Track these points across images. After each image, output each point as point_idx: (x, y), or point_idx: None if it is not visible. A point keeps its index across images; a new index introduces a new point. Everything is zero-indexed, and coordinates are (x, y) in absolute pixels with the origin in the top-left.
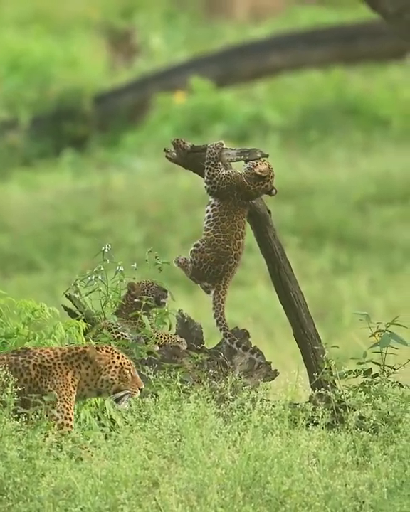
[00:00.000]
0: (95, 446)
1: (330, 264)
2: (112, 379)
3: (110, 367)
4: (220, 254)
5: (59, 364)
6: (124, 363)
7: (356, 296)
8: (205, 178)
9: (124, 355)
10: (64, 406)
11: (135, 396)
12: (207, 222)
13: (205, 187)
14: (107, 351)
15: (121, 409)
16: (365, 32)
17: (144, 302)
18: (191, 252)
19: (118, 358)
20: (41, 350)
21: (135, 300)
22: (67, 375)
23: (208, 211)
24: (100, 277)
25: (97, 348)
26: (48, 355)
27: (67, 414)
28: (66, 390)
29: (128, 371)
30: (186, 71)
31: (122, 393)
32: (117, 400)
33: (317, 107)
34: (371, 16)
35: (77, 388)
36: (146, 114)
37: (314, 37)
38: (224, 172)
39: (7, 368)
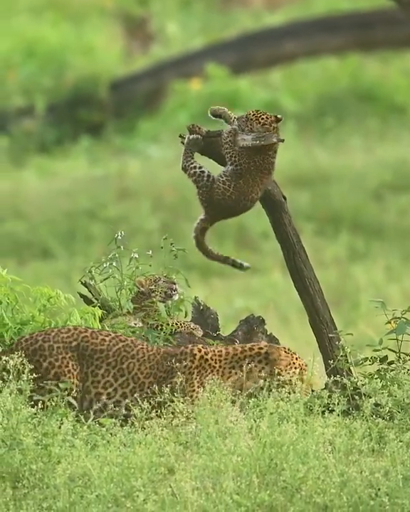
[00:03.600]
0: (111, 434)
1: (346, 251)
2: (290, 380)
3: (291, 368)
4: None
5: (225, 366)
6: (302, 365)
7: (372, 283)
8: (229, 162)
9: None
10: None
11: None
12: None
13: (234, 170)
14: (285, 352)
15: None
16: (381, 18)
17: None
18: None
19: (297, 358)
20: (216, 348)
21: (145, 296)
22: (231, 375)
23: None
24: (114, 264)
25: (276, 349)
26: (220, 354)
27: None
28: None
29: (304, 372)
30: (201, 58)
31: None
32: None
33: (333, 93)
34: (387, 3)
35: (244, 389)
36: (162, 100)
37: (330, 24)
38: (238, 146)
39: (176, 359)
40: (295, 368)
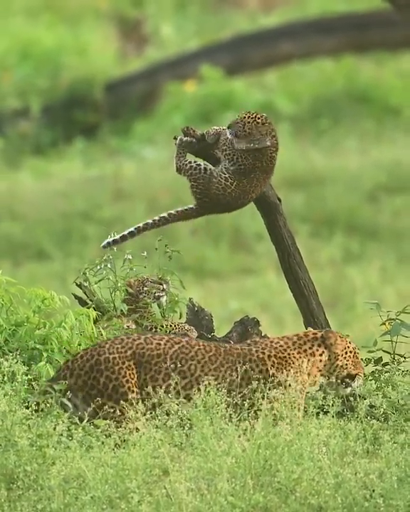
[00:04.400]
0: (106, 435)
1: (341, 253)
2: (346, 364)
3: (346, 352)
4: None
5: (293, 353)
6: (355, 348)
7: (367, 285)
8: (229, 164)
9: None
10: (299, 396)
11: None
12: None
13: (236, 170)
14: (340, 337)
15: (356, 390)
16: (376, 20)
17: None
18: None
19: (350, 343)
20: (272, 341)
21: (134, 298)
22: (302, 363)
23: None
24: (108, 265)
25: (332, 334)
26: (280, 345)
27: (300, 404)
28: (302, 379)
29: (358, 356)
30: (196, 59)
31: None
32: (347, 384)
33: (328, 95)
34: (382, 4)
35: (310, 375)
36: (157, 102)
37: (325, 25)
38: (241, 147)
39: (241, 358)
40: (350, 351)
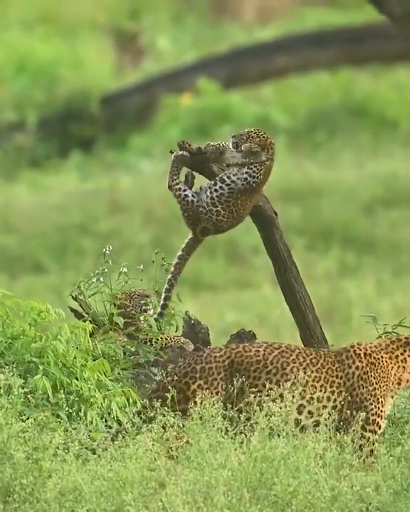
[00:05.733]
0: (102, 448)
1: (337, 266)
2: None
3: None
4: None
5: (384, 358)
6: None
7: (364, 298)
8: (251, 176)
9: None
10: (378, 401)
11: None
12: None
13: (251, 182)
14: None
15: None
16: (372, 33)
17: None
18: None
19: None
20: (366, 345)
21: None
22: (391, 370)
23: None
24: (102, 279)
25: None
26: (373, 350)
27: (381, 411)
28: (386, 385)
29: None
30: (193, 72)
31: None
32: None
33: (325, 108)
34: (379, 18)
35: (402, 381)
36: (154, 115)
37: (321, 38)
38: (225, 163)
39: (334, 364)
40: None
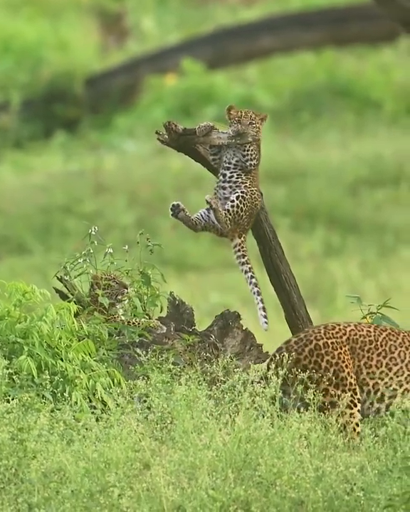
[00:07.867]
0: (87, 429)
1: (322, 246)
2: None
3: None
4: (253, 208)
5: None
6: None
7: (348, 278)
8: (249, 156)
9: None
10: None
11: None
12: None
13: (250, 164)
14: None
15: None
16: (357, 14)
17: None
18: (231, 205)
19: None
20: None
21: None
22: None
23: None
24: (88, 260)
25: None
26: None
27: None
28: None
29: None
30: (177, 53)
31: None
32: None
33: (309, 89)
34: None
35: None
36: (138, 96)
37: (305, 19)
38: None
39: None
40: None
